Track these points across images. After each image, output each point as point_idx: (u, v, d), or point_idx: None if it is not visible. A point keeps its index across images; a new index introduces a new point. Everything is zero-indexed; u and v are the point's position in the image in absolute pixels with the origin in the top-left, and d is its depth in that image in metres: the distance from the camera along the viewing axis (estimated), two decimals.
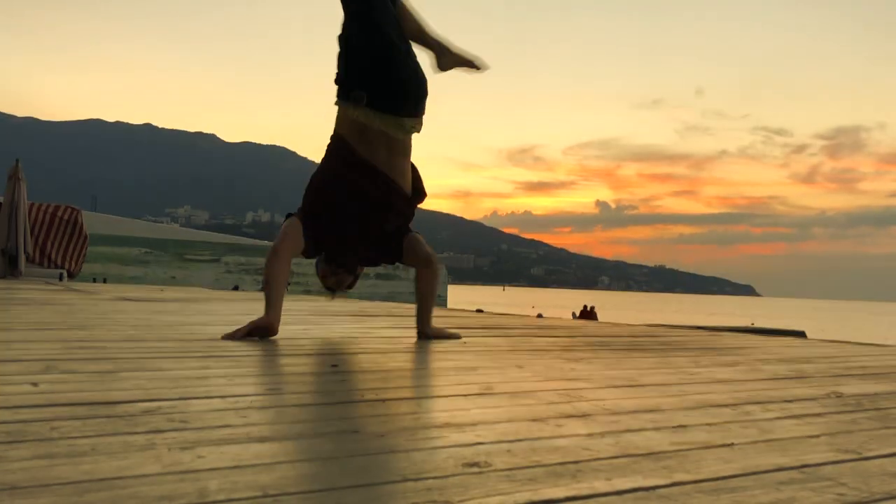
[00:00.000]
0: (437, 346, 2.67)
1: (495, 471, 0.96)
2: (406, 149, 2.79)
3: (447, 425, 1.24)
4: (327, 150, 2.82)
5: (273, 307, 2.65)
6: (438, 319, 4.25)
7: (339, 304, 5.67)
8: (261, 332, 2.65)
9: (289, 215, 2.80)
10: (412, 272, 3.02)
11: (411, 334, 3.15)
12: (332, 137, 2.80)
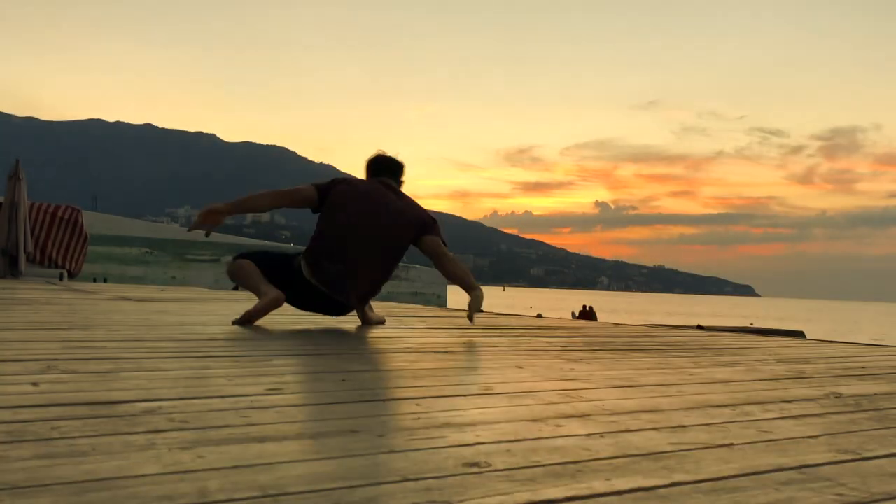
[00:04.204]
0: (437, 346, 2.67)
1: (495, 471, 0.96)
2: None
3: (446, 425, 1.24)
4: None
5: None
6: (438, 319, 4.25)
7: None
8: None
9: None
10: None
11: (411, 334, 3.15)
12: None
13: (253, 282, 3.35)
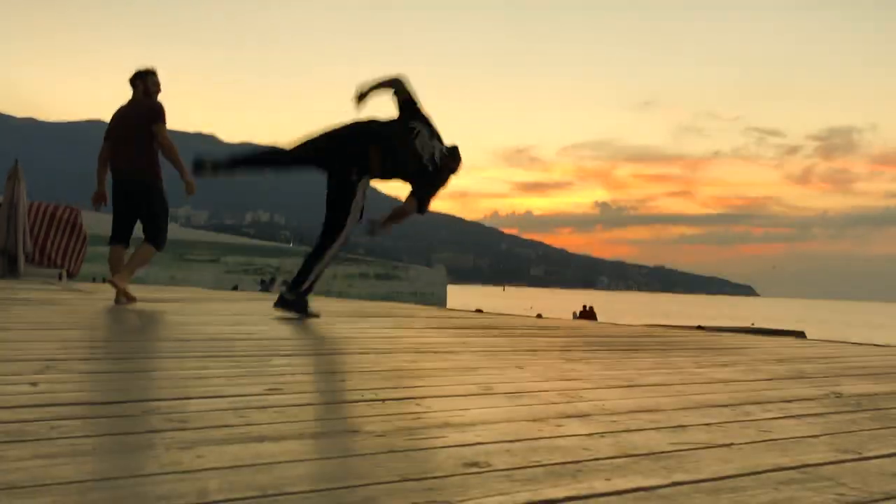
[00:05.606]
0: (436, 345, 2.67)
1: (495, 471, 0.96)
2: None
3: (447, 425, 1.24)
4: None
5: None
6: (437, 319, 4.25)
7: (339, 305, 5.67)
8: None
9: None
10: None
11: (411, 334, 3.15)
12: None
13: None
